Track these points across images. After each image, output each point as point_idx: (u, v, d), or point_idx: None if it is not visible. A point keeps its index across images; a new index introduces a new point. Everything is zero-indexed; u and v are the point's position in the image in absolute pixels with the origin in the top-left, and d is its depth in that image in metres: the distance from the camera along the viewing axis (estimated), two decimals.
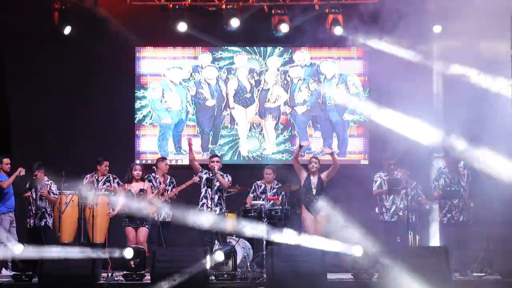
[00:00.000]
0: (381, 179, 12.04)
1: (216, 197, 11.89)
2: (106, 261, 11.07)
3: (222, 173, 12.04)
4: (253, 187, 12.59)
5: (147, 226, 11.48)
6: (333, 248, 10.64)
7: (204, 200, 11.97)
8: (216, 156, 12.23)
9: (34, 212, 11.85)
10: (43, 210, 11.89)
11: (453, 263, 11.21)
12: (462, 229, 11.71)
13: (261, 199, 12.33)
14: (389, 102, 13.09)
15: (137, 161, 13.46)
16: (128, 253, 10.54)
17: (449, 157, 11.83)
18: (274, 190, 12.51)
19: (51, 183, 12.03)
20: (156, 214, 11.91)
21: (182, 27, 13.53)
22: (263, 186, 12.59)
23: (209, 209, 11.85)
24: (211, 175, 11.83)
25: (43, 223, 11.90)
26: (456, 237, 11.73)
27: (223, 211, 11.90)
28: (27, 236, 11.90)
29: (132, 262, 10.56)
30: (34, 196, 11.83)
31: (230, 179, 12.08)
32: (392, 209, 11.94)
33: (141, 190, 11.45)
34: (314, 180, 11.51)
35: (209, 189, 11.91)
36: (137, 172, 11.55)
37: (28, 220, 11.91)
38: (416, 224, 12.01)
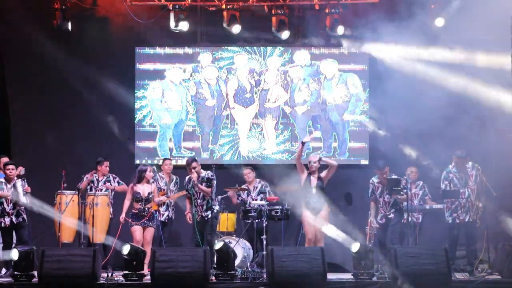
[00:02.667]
0: (373, 185, 12.08)
1: (204, 203, 11.94)
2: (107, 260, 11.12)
3: (202, 174, 12.01)
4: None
5: (153, 226, 11.52)
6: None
7: (195, 208, 11.95)
8: (194, 160, 12.10)
9: (11, 209, 11.51)
10: (20, 207, 11.57)
11: (453, 263, 11.23)
12: (466, 229, 11.71)
13: (250, 200, 12.34)
14: (390, 102, 13.10)
15: (143, 161, 13.47)
16: (126, 249, 10.55)
17: (458, 157, 11.82)
18: (258, 189, 12.53)
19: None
20: (158, 213, 11.91)
21: (183, 26, 13.51)
22: (247, 188, 12.64)
23: (200, 216, 11.88)
24: (210, 174, 11.81)
25: (21, 219, 11.58)
26: (458, 236, 11.74)
27: (217, 211, 11.82)
28: (2, 236, 11.65)
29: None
30: (15, 192, 11.50)
31: (210, 174, 11.88)
32: (382, 212, 11.98)
33: (150, 194, 11.52)
34: (314, 179, 11.49)
35: (195, 197, 11.87)
36: (151, 174, 11.62)
37: (3, 219, 11.52)
38: (421, 223, 12.01)
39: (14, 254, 10.57)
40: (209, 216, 11.81)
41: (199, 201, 11.97)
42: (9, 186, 11.58)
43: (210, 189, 11.85)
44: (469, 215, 11.68)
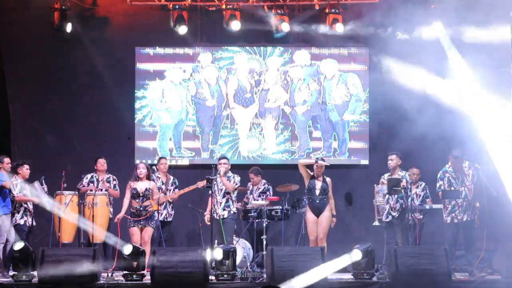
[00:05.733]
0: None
1: (224, 200, 11.82)
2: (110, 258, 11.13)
3: (230, 175, 11.91)
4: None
5: (152, 226, 11.50)
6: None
7: (213, 207, 11.74)
8: (224, 158, 12.06)
9: (32, 209, 11.58)
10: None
11: (453, 263, 11.23)
12: (464, 229, 11.71)
13: (252, 199, 12.33)
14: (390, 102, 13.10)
15: (143, 161, 13.44)
16: (127, 249, 10.53)
17: (454, 157, 11.81)
18: (260, 190, 12.53)
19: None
20: (157, 213, 11.90)
21: (182, 30, 13.51)
22: (250, 187, 12.59)
23: (217, 214, 11.79)
24: (212, 175, 11.74)
25: (34, 222, 11.70)
26: (457, 236, 11.74)
27: (232, 212, 11.82)
28: (27, 236, 11.65)
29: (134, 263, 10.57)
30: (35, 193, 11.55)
31: (237, 180, 11.87)
32: (386, 210, 11.85)
33: (147, 190, 11.48)
34: (318, 182, 11.50)
35: (213, 191, 11.72)
36: (140, 171, 11.58)
37: (26, 218, 11.55)
38: (423, 223, 11.97)
39: (18, 246, 10.58)
40: (225, 216, 11.75)
41: (218, 197, 11.86)
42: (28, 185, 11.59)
43: (232, 185, 11.79)
44: (467, 215, 11.67)
